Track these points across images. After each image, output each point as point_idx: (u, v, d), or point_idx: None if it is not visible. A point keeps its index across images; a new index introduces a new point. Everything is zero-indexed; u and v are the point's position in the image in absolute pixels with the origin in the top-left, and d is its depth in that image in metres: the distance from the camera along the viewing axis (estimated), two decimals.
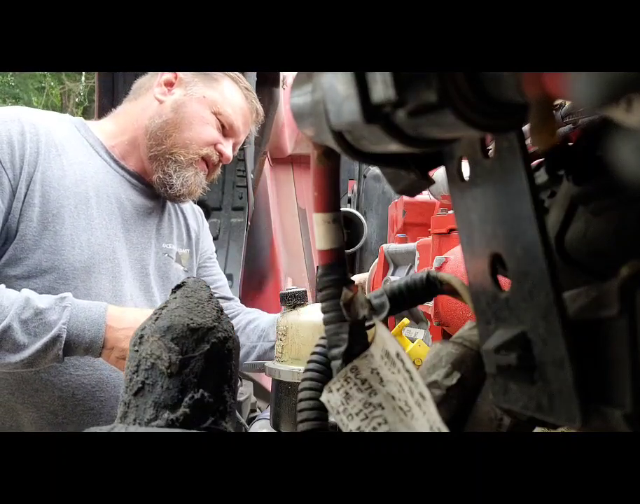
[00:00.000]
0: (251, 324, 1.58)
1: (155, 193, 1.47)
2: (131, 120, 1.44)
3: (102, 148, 1.41)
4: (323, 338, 0.45)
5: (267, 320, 1.58)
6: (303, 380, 0.46)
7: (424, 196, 1.52)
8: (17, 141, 1.24)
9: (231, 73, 1.48)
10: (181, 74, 1.43)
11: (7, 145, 1.23)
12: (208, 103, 1.42)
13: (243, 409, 2.12)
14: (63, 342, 1.16)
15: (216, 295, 1.60)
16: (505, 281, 0.34)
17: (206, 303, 0.53)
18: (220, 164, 1.49)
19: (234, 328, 1.71)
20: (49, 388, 1.28)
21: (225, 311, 1.65)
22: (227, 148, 1.46)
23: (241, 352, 1.51)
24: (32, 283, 1.24)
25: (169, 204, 1.54)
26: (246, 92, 1.49)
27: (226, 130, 1.46)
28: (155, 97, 1.43)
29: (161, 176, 1.42)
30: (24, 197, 1.24)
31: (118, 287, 1.36)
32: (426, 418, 0.38)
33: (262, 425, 1.39)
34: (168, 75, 1.44)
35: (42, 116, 1.35)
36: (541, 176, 0.40)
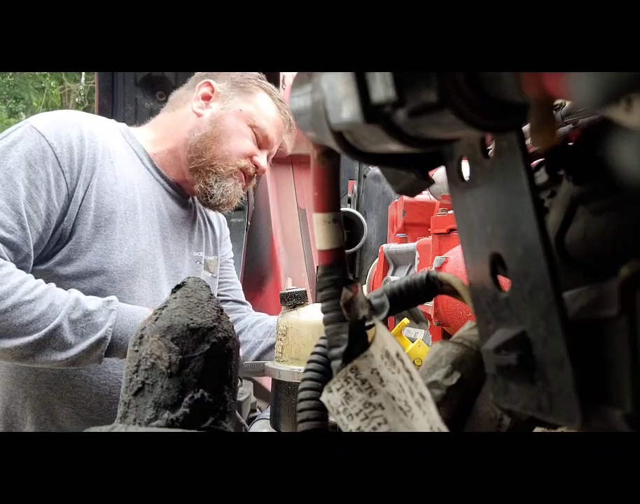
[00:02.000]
0: (259, 323, 1.62)
1: (188, 203, 1.54)
2: (170, 131, 1.49)
3: (146, 155, 1.46)
4: (323, 338, 0.45)
5: (274, 318, 1.62)
6: (303, 380, 0.46)
7: (424, 196, 1.52)
8: (77, 146, 1.28)
9: (265, 85, 1.52)
10: (217, 88, 1.48)
11: (67, 150, 1.26)
12: (244, 117, 1.47)
13: (243, 409, 2.12)
14: (107, 344, 1.20)
15: (229, 298, 1.60)
16: (505, 281, 0.34)
17: (206, 303, 0.53)
18: (256, 175, 1.54)
19: (243, 328, 1.71)
20: (87, 385, 1.32)
21: (235, 313, 1.64)
22: (263, 160, 1.51)
23: (247, 347, 1.55)
24: (81, 283, 1.28)
25: (198, 213, 1.60)
26: (279, 104, 1.53)
27: (261, 142, 1.50)
28: (193, 111, 1.47)
29: (202, 187, 1.46)
30: (82, 201, 1.28)
31: (156, 292, 1.42)
32: (426, 418, 0.38)
33: (262, 425, 1.39)
34: (205, 89, 1.48)
35: (97, 122, 1.39)
36: (541, 176, 0.40)
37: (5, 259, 1.17)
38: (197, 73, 1.55)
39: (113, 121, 1.49)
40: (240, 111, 1.47)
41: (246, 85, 1.49)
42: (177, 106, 1.53)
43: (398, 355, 0.40)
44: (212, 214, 1.67)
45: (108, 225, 1.31)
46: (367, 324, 0.43)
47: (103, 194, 1.31)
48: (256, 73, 1.53)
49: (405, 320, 0.98)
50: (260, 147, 1.50)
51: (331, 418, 0.44)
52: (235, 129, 1.46)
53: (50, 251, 1.27)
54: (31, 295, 1.15)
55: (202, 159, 1.44)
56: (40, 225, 1.22)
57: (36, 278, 1.20)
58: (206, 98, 1.49)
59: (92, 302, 1.21)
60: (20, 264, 1.21)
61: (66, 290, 1.22)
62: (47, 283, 1.21)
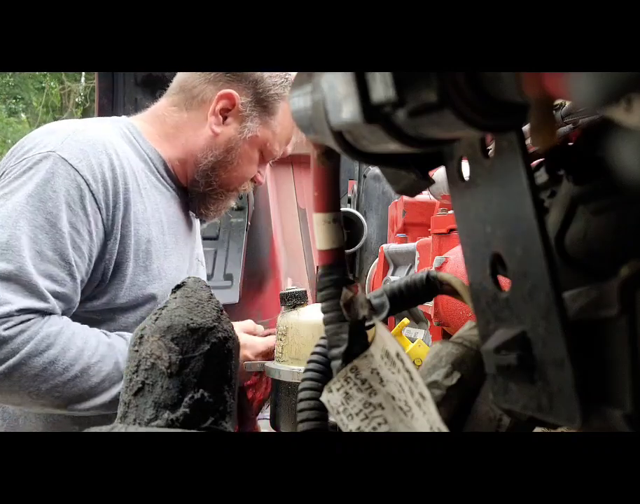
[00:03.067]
0: None
1: (188, 204, 1.46)
2: (181, 138, 1.38)
3: (161, 163, 1.36)
4: (323, 338, 0.45)
5: None
6: (303, 380, 0.46)
7: (424, 196, 1.52)
8: (110, 178, 1.19)
9: (288, 92, 1.40)
10: (239, 104, 1.34)
11: (102, 185, 1.18)
12: (258, 143, 1.38)
13: None
14: None
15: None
16: (505, 281, 0.34)
17: (206, 303, 0.53)
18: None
19: None
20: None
21: None
22: (263, 174, 1.46)
23: None
24: (126, 316, 1.24)
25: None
26: None
27: (265, 159, 1.43)
28: (210, 128, 1.35)
29: (198, 204, 1.41)
30: (121, 238, 1.21)
31: None
32: (426, 418, 0.38)
33: (262, 425, 1.39)
34: (225, 102, 1.34)
35: (116, 136, 1.28)
36: (541, 176, 0.40)
37: (61, 316, 1.13)
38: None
39: (122, 120, 1.38)
40: (256, 137, 1.36)
41: (269, 104, 1.36)
42: (191, 105, 1.37)
43: (398, 355, 0.40)
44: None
45: (147, 257, 1.26)
46: (367, 324, 0.43)
47: (138, 226, 1.25)
48: (284, 75, 1.38)
49: (405, 320, 0.98)
50: (263, 161, 1.43)
51: (331, 418, 0.44)
52: (246, 156, 1.38)
53: (92, 292, 1.22)
54: (96, 356, 1.12)
55: (209, 187, 1.37)
56: (84, 269, 1.17)
57: (81, 319, 1.17)
58: (225, 111, 1.36)
59: (122, 348, 1.17)
60: (69, 313, 1.17)
61: (114, 323, 1.20)
62: (91, 321, 1.18)
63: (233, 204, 1.48)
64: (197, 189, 1.39)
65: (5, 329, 1.06)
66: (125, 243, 1.22)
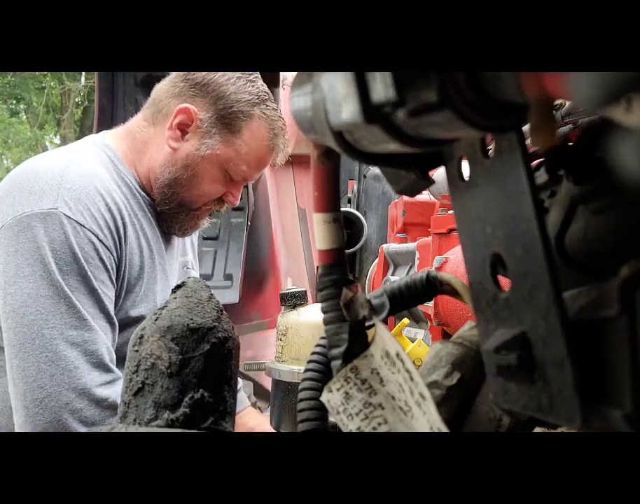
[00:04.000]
0: None
1: None
2: (147, 154, 1.35)
3: (138, 184, 1.34)
4: (323, 338, 0.45)
5: None
6: (303, 380, 0.46)
7: (424, 196, 1.52)
8: (109, 219, 1.20)
9: (267, 110, 1.32)
10: (198, 120, 1.30)
11: (106, 230, 1.20)
12: (219, 161, 1.31)
13: None
14: None
15: None
16: (505, 281, 0.34)
17: (206, 303, 0.53)
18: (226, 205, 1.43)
19: None
20: None
21: None
22: (235, 194, 1.39)
23: None
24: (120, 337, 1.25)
25: None
26: (275, 132, 1.34)
27: (236, 180, 1.36)
28: (167, 143, 1.31)
29: (164, 222, 1.39)
30: (123, 272, 1.24)
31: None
32: (426, 418, 0.38)
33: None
34: (183, 117, 1.30)
35: (101, 172, 1.26)
36: (541, 176, 0.40)
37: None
38: (180, 75, 1.33)
39: (98, 143, 1.34)
40: (216, 155, 1.30)
41: (233, 121, 1.30)
42: (156, 120, 1.34)
43: (398, 355, 0.40)
44: None
45: (137, 281, 1.28)
46: (367, 324, 0.43)
47: (132, 256, 1.26)
48: (259, 91, 1.33)
49: (405, 320, 0.98)
50: (234, 181, 1.37)
51: (331, 418, 0.44)
52: (207, 175, 1.32)
53: None
54: None
55: (166, 206, 1.34)
56: (113, 312, 1.21)
57: None
58: (184, 127, 1.30)
59: None
60: None
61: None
62: None
63: (205, 224, 1.43)
64: (159, 206, 1.36)
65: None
66: (123, 273, 1.25)
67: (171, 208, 1.35)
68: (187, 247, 1.56)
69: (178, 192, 1.33)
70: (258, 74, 1.36)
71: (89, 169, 1.25)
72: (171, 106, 1.32)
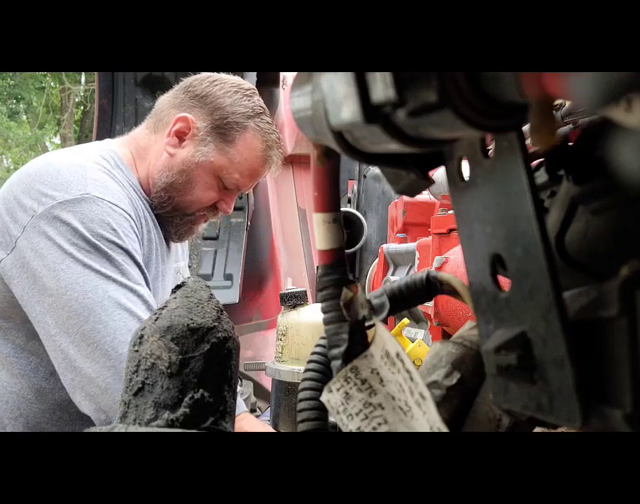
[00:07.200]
0: None
1: None
2: (147, 159, 1.42)
3: (142, 187, 1.41)
4: (323, 338, 0.45)
5: None
6: (303, 380, 0.46)
7: (424, 196, 1.52)
8: (131, 227, 1.26)
9: (262, 123, 1.38)
10: (195, 128, 1.37)
11: (134, 215, 1.27)
12: (213, 169, 1.38)
13: None
14: None
15: None
16: (505, 281, 0.34)
17: (206, 303, 0.53)
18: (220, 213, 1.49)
19: None
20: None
21: None
22: (229, 203, 1.45)
23: None
24: None
25: None
26: (268, 144, 1.40)
27: (230, 188, 1.42)
28: (165, 148, 1.38)
29: (161, 226, 1.44)
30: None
31: None
32: (426, 418, 0.38)
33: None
34: (181, 125, 1.37)
35: (113, 184, 1.31)
36: (541, 176, 0.40)
37: None
38: (182, 87, 1.41)
39: (104, 149, 1.40)
40: (211, 163, 1.37)
41: (227, 132, 1.37)
42: (158, 128, 1.42)
43: (398, 355, 0.40)
44: None
45: (147, 279, 1.32)
46: (367, 324, 0.43)
47: (148, 252, 1.33)
48: (254, 105, 1.39)
49: (405, 320, 0.98)
50: (228, 189, 1.42)
51: (331, 418, 0.44)
52: (201, 181, 1.38)
53: None
54: None
55: (162, 209, 1.40)
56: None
57: None
58: (182, 134, 1.38)
59: None
60: None
61: None
62: None
63: (200, 230, 1.49)
64: (156, 210, 1.42)
65: None
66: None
67: (166, 212, 1.41)
68: (179, 254, 1.61)
69: (174, 197, 1.39)
70: (255, 90, 1.44)
71: (104, 169, 1.32)
72: (171, 115, 1.40)
